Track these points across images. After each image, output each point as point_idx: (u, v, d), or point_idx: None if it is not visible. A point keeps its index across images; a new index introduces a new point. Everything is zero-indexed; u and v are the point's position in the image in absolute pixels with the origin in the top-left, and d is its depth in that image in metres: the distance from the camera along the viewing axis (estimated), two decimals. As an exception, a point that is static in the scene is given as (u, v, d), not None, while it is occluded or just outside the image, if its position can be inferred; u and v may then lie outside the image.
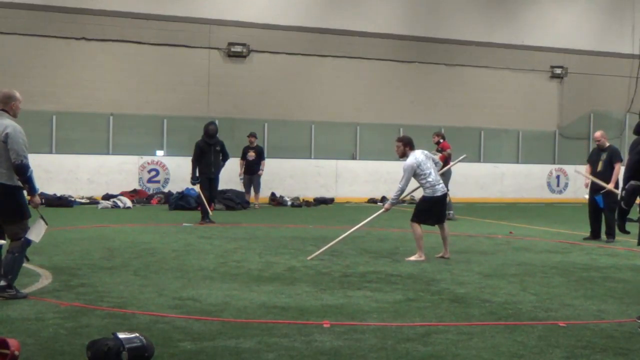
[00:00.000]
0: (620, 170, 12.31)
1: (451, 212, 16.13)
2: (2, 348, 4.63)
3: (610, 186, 12.09)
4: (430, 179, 9.75)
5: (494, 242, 11.98)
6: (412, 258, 9.69)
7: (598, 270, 9.21)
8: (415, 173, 9.77)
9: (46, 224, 6.96)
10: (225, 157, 14.61)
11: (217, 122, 20.97)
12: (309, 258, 9.48)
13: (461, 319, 6.26)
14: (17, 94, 6.94)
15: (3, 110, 6.81)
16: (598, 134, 12.87)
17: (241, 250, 10.20)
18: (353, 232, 10.35)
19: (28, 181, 6.71)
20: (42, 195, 17.86)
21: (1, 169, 6.63)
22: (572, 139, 25.35)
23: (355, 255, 9.97)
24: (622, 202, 6.28)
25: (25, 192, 6.82)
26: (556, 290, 7.74)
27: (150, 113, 20.61)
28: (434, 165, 9.94)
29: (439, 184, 9.82)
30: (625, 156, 9.97)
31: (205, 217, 14.00)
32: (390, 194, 10.31)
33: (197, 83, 21.15)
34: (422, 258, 9.66)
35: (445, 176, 16.12)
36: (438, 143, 16.74)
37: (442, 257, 9.92)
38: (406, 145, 9.97)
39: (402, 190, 9.83)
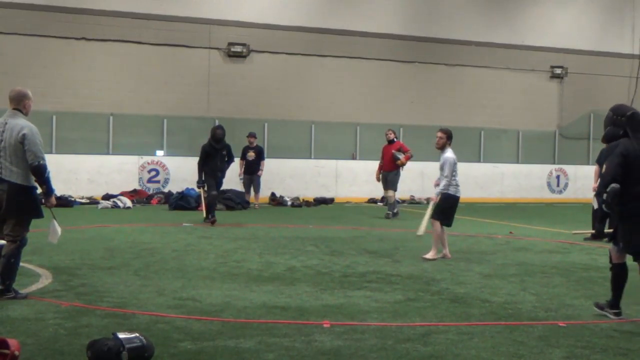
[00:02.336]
0: None
1: (392, 211, 16.31)
2: (2, 348, 4.63)
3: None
4: (457, 178, 10.02)
5: (494, 242, 11.98)
6: (428, 255, 9.78)
7: (598, 270, 9.20)
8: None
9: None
10: (230, 160, 14.48)
11: (216, 123, 21.08)
12: (418, 233, 9.98)
13: (461, 319, 6.26)
14: (29, 93, 6.88)
15: (16, 109, 6.75)
16: None
17: (241, 250, 10.20)
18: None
19: (45, 182, 6.69)
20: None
21: (17, 169, 6.58)
22: (572, 139, 25.35)
23: (355, 255, 9.97)
24: (603, 205, 6.36)
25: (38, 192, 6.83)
26: (556, 290, 7.74)
27: (150, 113, 20.61)
28: None
29: (459, 186, 10.10)
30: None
31: (208, 216, 13.95)
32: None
33: (197, 83, 21.15)
34: (435, 258, 9.75)
35: (397, 176, 16.37)
36: (392, 141, 16.56)
37: (442, 257, 9.93)
38: (449, 139, 10.21)
39: (449, 181, 10.01)
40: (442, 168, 10.03)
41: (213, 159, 13.92)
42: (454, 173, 9.97)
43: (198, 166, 14.03)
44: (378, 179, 16.72)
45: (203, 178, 13.93)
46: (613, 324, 6.19)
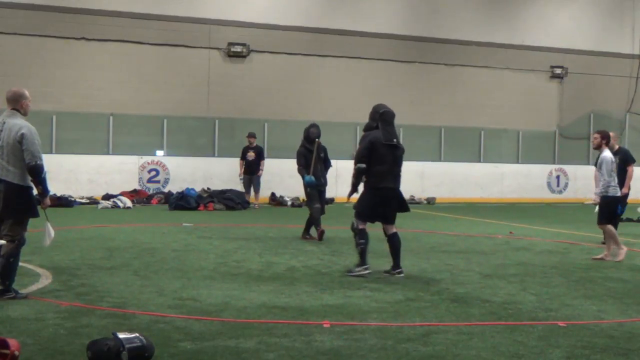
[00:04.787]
0: (632, 173, 12.30)
1: None
2: (2, 348, 4.63)
3: (624, 190, 12.08)
4: (616, 179, 10.10)
5: (494, 242, 11.97)
6: (616, 258, 9.94)
7: (598, 270, 9.21)
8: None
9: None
10: (327, 164, 12.33)
11: (216, 123, 21.10)
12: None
13: (461, 319, 6.26)
14: (27, 93, 6.88)
15: (14, 109, 6.77)
16: (611, 134, 12.68)
17: (241, 250, 10.20)
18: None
19: (42, 182, 6.74)
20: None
21: (15, 168, 6.60)
22: (572, 139, 25.34)
23: (355, 255, 9.94)
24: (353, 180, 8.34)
25: (34, 192, 6.84)
26: (556, 290, 7.74)
27: (150, 113, 20.60)
28: None
29: (617, 186, 10.18)
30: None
31: (311, 231, 12.02)
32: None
33: (197, 83, 21.15)
34: (621, 257, 9.96)
35: None
36: None
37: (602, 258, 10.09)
38: (603, 139, 10.25)
39: (608, 183, 10.09)
40: (600, 168, 10.14)
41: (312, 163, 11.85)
42: (612, 173, 10.07)
43: (300, 172, 11.97)
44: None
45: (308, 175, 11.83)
46: (613, 324, 6.20)
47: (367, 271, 8.18)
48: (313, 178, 11.77)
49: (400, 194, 8.50)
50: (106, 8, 20.23)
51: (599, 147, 10.29)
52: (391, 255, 8.36)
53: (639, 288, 8.08)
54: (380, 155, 8.26)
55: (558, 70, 24.96)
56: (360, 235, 8.29)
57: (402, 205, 8.58)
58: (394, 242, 8.35)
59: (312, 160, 11.81)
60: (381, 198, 8.32)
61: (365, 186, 8.38)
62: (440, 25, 23.60)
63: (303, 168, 11.84)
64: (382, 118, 8.61)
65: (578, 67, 25.14)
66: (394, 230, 8.41)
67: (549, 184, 24.43)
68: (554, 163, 24.86)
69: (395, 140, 8.46)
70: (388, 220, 8.42)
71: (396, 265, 8.32)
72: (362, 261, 8.27)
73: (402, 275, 8.22)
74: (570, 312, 6.63)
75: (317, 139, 11.90)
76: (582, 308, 6.83)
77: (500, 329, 5.89)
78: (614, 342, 5.58)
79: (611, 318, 6.44)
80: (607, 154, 10.15)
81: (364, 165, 8.22)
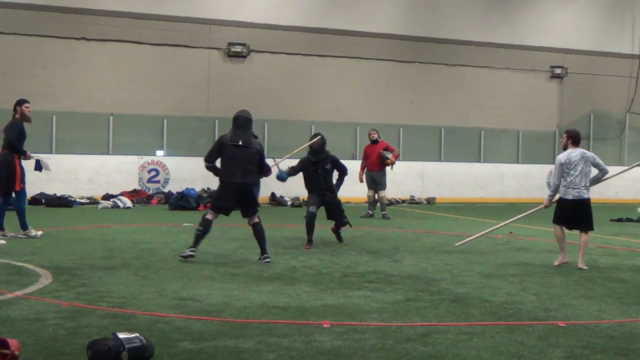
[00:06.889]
0: None
1: (385, 211, 16.23)
2: (2, 348, 4.62)
3: None
4: (568, 179, 9.49)
5: (494, 242, 11.96)
6: (556, 262, 9.55)
7: (598, 270, 9.21)
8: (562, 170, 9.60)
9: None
10: (342, 174, 11.50)
11: (215, 123, 21.10)
12: (457, 244, 10.37)
13: (461, 319, 6.25)
14: None
15: None
16: None
17: (241, 250, 10.20)
18: (500, 227, 10.99)
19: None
20: (42, 194, 17.88)
21: None
22: (572, 139, 25.32)
23: (355, 255, 9.97)
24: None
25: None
26: (556, 290, 7.74)
27: (150, 113, 20.61)
28: (586, 169, 9.54)
29: (574, 189, 9.47)
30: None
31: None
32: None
33: (197, 83, 21.15)
34: (565, 260, 9.49)
35: (384, 176, 16.26)
36: (376, 141, 16.45)
37: (562, 263, 9.56)
38: (569, 139, 9.79)
39: (556, 186, 9.72)
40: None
41: (315, 176, 11.23)
42: (569, 174, 9.50)
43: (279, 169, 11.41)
44: (361, 180, 16.56)
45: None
46: (613, 324, 6.20)
47: (192, 254, 8.95)
48: (285, 174, 11.62)
49: (250, 190, 9.27)
50: (106, 8, 20.24)
51: (565, 148, 9.81)
52: (257, 243, 9.22)
53: (639, 288, 8.08)
54: (227, 153, 9.16)
55: (558, 70, 24.98)
56: (202, 224, 9.13)
57: (252, 202, 9.30)
58: (257, 231, 9.22)
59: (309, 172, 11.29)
60: (230, 191, 9.16)
61: (219, 181, 9.38)
62: (440, 25, 23.62)
63: (290, 169, 11.59)
64: (234, 122, 9.35)
65: (578, 67, 25.16)
66: (256, 220, 9.23)
67: (549, 184, 24.36)
68: (554, 163, 24.81)
69: (241, 141, 9.16)
70: (244, 213, 9.36)
71: (263, 251, 9.18)
72: (194, 244, 9.08)
73: (269, 260, 9.03)
74: (570, 312, 6.63)
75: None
76: (582, 308, 6.83)
77: (500, 329, 5.89)
78: (614, 342, 5.58)
79: (611, 318, 6.44)
80: (559, 155, 9.69)
81: (207, 163, 9.37)
